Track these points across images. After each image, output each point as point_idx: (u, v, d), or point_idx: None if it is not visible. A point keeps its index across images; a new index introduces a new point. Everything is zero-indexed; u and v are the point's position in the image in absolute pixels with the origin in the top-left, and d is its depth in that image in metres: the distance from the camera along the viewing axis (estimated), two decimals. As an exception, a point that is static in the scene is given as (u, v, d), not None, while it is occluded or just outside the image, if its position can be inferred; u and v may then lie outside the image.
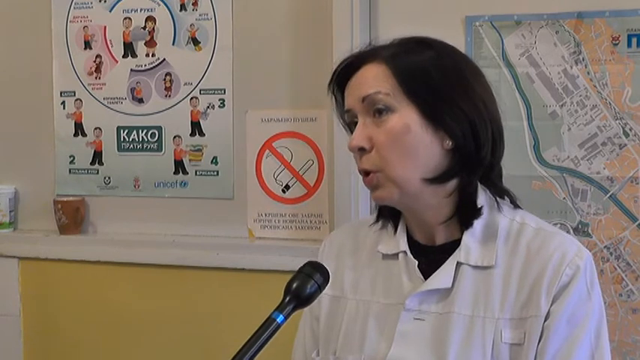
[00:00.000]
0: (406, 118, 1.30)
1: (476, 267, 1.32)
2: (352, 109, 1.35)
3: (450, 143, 1.30)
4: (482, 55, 2.09)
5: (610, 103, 2.01)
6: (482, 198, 1.35)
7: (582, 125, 2.04)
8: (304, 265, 1.24)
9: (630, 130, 2.00)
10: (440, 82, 1.30)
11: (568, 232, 2.03)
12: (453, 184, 1.33)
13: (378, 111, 1.31)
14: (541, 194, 2.07)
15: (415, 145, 1.30)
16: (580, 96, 2.03)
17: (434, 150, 1.30)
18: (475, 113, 1.30)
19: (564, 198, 2.05)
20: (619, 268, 2.02)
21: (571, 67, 2.04)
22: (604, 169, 2.02)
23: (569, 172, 2.05)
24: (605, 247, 2.03)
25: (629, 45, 2.00)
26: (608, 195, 2.02)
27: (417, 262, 1.35)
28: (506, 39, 2.08)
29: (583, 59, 2.03)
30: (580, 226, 2.04)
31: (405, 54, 1.33)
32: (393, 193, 1.31)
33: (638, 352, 2.01)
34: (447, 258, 1.34)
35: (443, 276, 1.33)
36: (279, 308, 1.18)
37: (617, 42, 2.00)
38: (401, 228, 1.41)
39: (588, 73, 2.03)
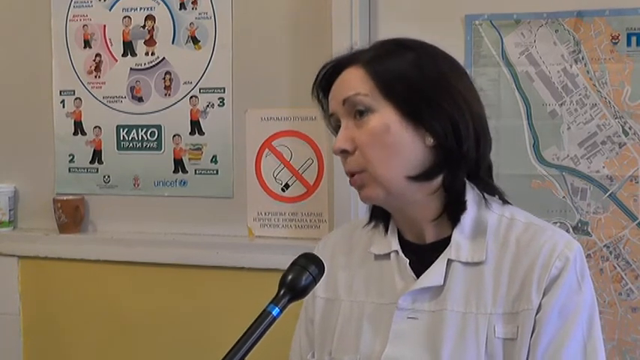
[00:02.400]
0: (386, 118, 1.31)
1: (467, 263, 1.33)
2: (335, 112, 1.36)
3: (432, 140, 1.31)
4: (481, 54, 2.09)
5: (609, 102, 2.01)
6: (470, 195, 1.35)
7: (582, 124, 2.04)
8: (298, 257, 1.24)
9: (630, 128, 2.00)
10: (418, 81, 1.31)
11: (568, 230, 2.03)
12: (438, 180, 1.34)
13: (359, 112, 1.32)
14: (541, 193, 2.06)
15: (396, 144, 1.30)
16: (579, 95, 2.03)
17: (416, 148, 1.31)
18: (455, 110, 1.31)
19: (564, 197, 2.05)
20: (618, 267, 2.02)
21: (571, 66, 2.04)
22: (603, 167, 2.02)
23: (568, 170, 2.05)
24: (604, 245, 2.02)
25: (629, 44, 2.00)
26: (607, 194, 2.02)
27: (408, 261, 1.36)
28: (505, 38, 2.08)
29: (582, 58, 2.03)
30: (580, 225, 2.04)
31: (383, 57, 1.35)
32: (378, 193, 1.32)
33: (637, 351, 2.01)
34: (438, 256, 1.34)
35: (434, 274, 1.33)
36: (275, 301, 1.18)
37: (617, 41, 2.00)
38: (392, 228, 1.41)
39: (588, 72, 2.03)
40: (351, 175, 1.34)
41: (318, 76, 1.41)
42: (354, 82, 1.33)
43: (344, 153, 1.34)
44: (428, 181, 1.33)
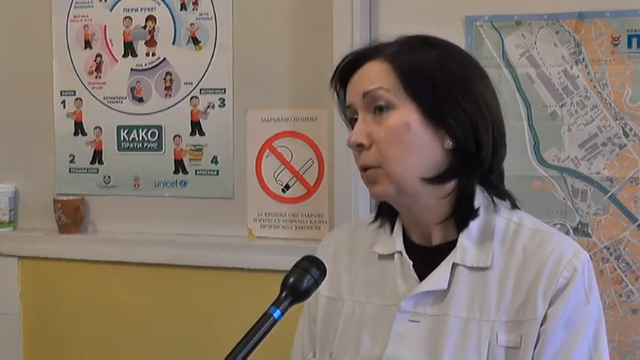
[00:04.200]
0: (406, 116, 1.29)
1: (472, 268, 1.31)
2: (353, 104, 1.34)
3: (451, 143, 1.29)
4: (482, 56, 2.09)
5: (610, 104, 2.01)
6: (479, 199, 1.34)
7: (582, 125, 2.04)
8: (301, 259, 1.24)
9: (630, 130, 2.00)
10: (442, 81, 1.29)
11: (568, 232, 2.03)
12: (451, 184, 1.32)
13: (379, 108, 1.30)
14: (541, 194, 2.06)
15: (415, 143, 1.29)
16: (580, 96, 2.03)
17: (434, 149, 1.29)
18: (477, 114, 1.29)
19: (564, 198, 2.05)
20: (619, 268, 2.02)
21: (571, 68, 2.04)
22: (604, 169, 2.02)
23: (569, 172, 2.05)
24: (604, 247, 2.03)
25: (630, 45, 2.00)
26: (608, 195, 2.02)
27: (412, 263, 1.34)
28: (506, 39, 2.08)
29: (583, 59, 2.03)
30: (580, 227, 2.04)
31: (409, 53, 1.32)
32: (389, 190, 1.30)
33: (637, 353, 2.01)
34: (443, 259, 1.32)
35: (438, 277, 1.31)
36: (276, 303, 1.18)
37: (618, 42, 2.00)
38: (397, 228, 1.40)
39: (588, 73, 2.03)
40: (364, 169, 1.33)
41: (338, 65, 1.38)
42: (377, 76, 1.31)
43: (359, 147, 1.31)
44: (441, 184, 1.31)
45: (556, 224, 2.04)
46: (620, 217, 2.01)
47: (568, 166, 2.05)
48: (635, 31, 1.99)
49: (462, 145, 1.29)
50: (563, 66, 2.04)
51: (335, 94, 1.41)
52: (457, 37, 2.09)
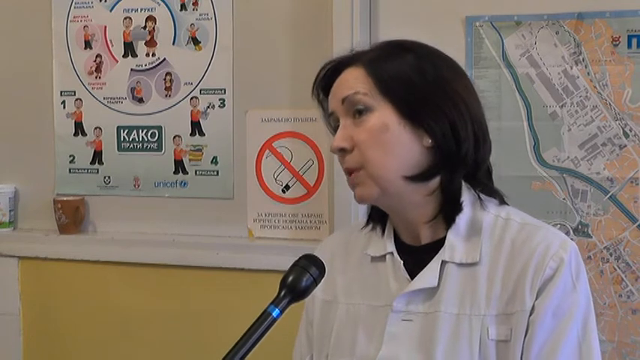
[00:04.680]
0: (384, 117, 1.31)
1: (461, 265, 1.32)
2: (334, 111, 1.37)
3: (430, 141, 1.31)
4: (482, 56, 2.09)
5: (610, 104, 2.01)
6: (466, 196, 1.35)
7: (582, 126, 2.04)
8: (300, 258, 1.24)
9: (630, 130, 2.00)
10: (417, 82, 1.32)
11: (568, 232, 2.03)
12: (435, 182, 1.34)
13: (358, 112, 1.33)
14: (541, 195, 2.06)
15: (394, 143, 1.31)
16: (580, 96, 2.03)
17: (413, 148, 1.31)
18: (455, 112, 1.31)
19: (564, 198, 2.05)
20: (619, 268, 2.02)
21: (571, 68, 2.04)
22: (604, 169, 2.02)
23: (569, 172, 2.05)
24: (604, 247, 2.02)
25: (630, 45, 2.00)
26: (608, 195, 2.02)
27: (402, 262, 1.36)
28: (506, 39, 2.08)
29: (583, 60, 2.03)
30: (580, 227, 2.04)
31: (384, 57, 1.35)
32: (373, 192, 1.33)
33: (637, 353, 2.01)
34: (433, 257, 1.34)
35: (428, 275, 1.33)
36: (275, 302, 1.18)
37: (618, 42, 2.00)
38: (388, 229, 1.42)
39: (588, 73, 2.03)
40: (349, 173, 1.35)
41: (318, 75, 1.42)
42: (354, 82, 1.34)
43: (342, 152, 1.34)
44: (425, 182, 1.33)
45: (556, 224, 2.04)
46: (620, 218, 2.02)
47: (568, 167, 2.05)
48: (635, 31, 1.99)
49: (441, 143, 1.31)
50: (563, 66, 2.05)
51: (319, 104, 1.44)
52: (457, 38, 2.10)
